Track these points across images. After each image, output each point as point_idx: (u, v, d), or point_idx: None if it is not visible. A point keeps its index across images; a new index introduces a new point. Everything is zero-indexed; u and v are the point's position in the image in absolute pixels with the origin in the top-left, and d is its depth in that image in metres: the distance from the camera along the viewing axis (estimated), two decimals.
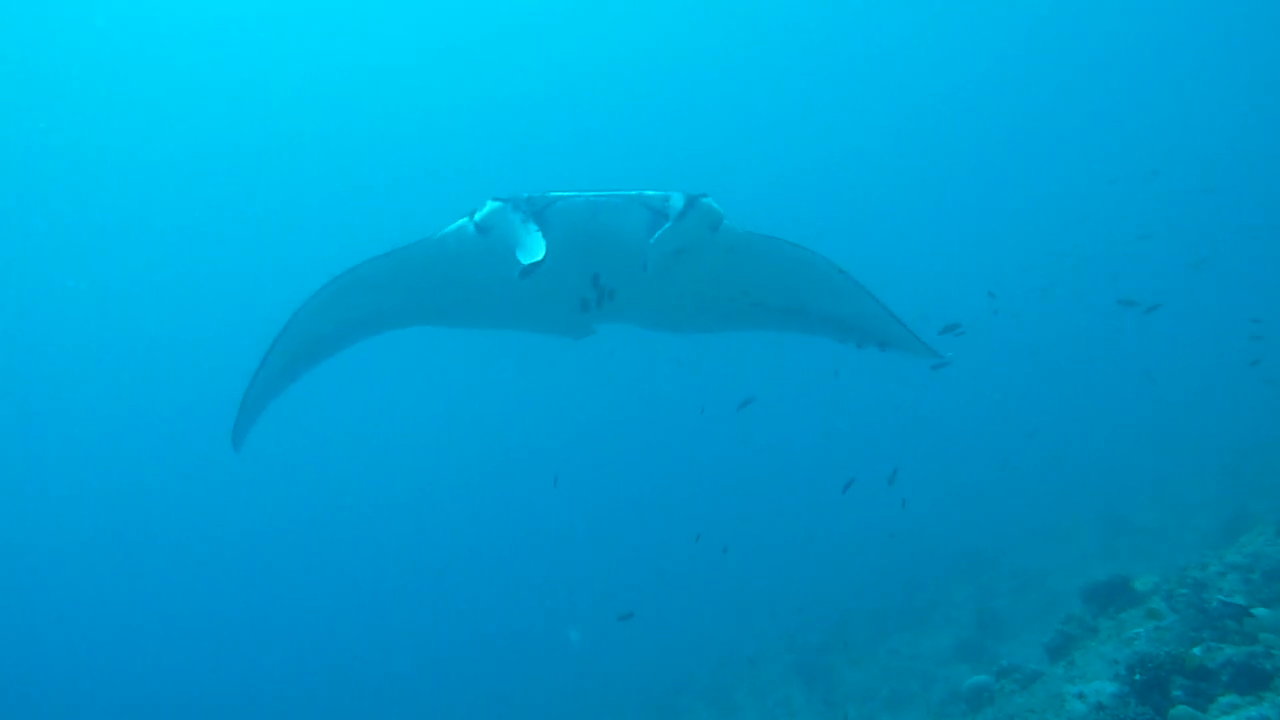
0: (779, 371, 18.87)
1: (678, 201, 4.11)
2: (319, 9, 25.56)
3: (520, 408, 25.50)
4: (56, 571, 25.78)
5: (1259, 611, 5.47)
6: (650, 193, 4.16)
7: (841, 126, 30.29)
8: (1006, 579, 13.24)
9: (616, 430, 25.56)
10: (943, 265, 28.91)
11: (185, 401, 27.08)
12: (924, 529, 16.32)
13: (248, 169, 27.73)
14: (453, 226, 4.44)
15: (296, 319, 4.72)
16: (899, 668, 12.09)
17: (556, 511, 22.94)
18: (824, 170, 30.33)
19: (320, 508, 26.43)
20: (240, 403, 4.87)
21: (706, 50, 28.05)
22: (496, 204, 4.08)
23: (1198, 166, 27.05)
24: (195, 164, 26.96)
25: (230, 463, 26.52)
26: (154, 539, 26.13)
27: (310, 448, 26.58)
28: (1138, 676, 5.25)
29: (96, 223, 26.69)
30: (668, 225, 4.03)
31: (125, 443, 27.74)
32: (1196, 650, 5.26)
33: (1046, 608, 11.31)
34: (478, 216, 4.21)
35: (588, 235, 4.10)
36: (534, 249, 3.75)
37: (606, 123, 29.42)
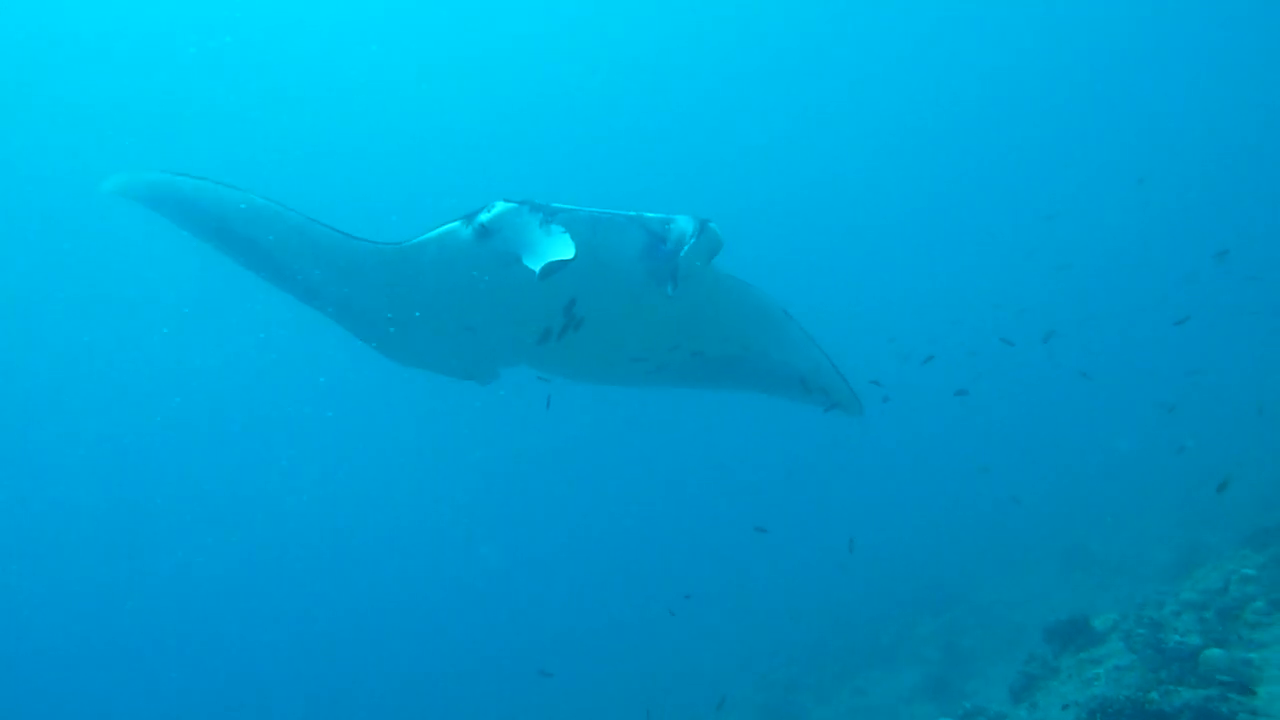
0: (732, 409, 18.94)
1: (686, 225, 3.78)
2: (318, 12, 25.49)
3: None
4: (57, 572, 25.20)
5: (1212, 653, 5.55)
6: (650, 215, 3.90)
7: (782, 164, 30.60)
8: (972, 614, 13.32)
9: (580, 474, 25.35)
10: (905, 292, 29.31)
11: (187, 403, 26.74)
12: (889, 564, 16.43)
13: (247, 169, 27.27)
14: (436, 232, 4.14)
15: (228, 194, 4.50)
16: (866, 706, 12.08)
17: (528, 550, 22.71)
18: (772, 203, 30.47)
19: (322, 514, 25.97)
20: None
21: (670, 61, 28.17)
22: (510, 205, 3.84)
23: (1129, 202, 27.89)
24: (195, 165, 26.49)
25: (230, 464, 26.58)
26: (152, 541, 25.66)
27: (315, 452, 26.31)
28: None
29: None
30: (691, 244, 3.69)
31: (128, 444, 27.23)
32: (1154, 694, 5.33)
33: (1011, 642, 11.38)
34: (484, 218, 3.91)
35: (582, 254, 3.79)
36: (561, 248, 3.51)
37: (575, 134, 29.37)
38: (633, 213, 3.90)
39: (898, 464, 23.07)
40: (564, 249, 3.52)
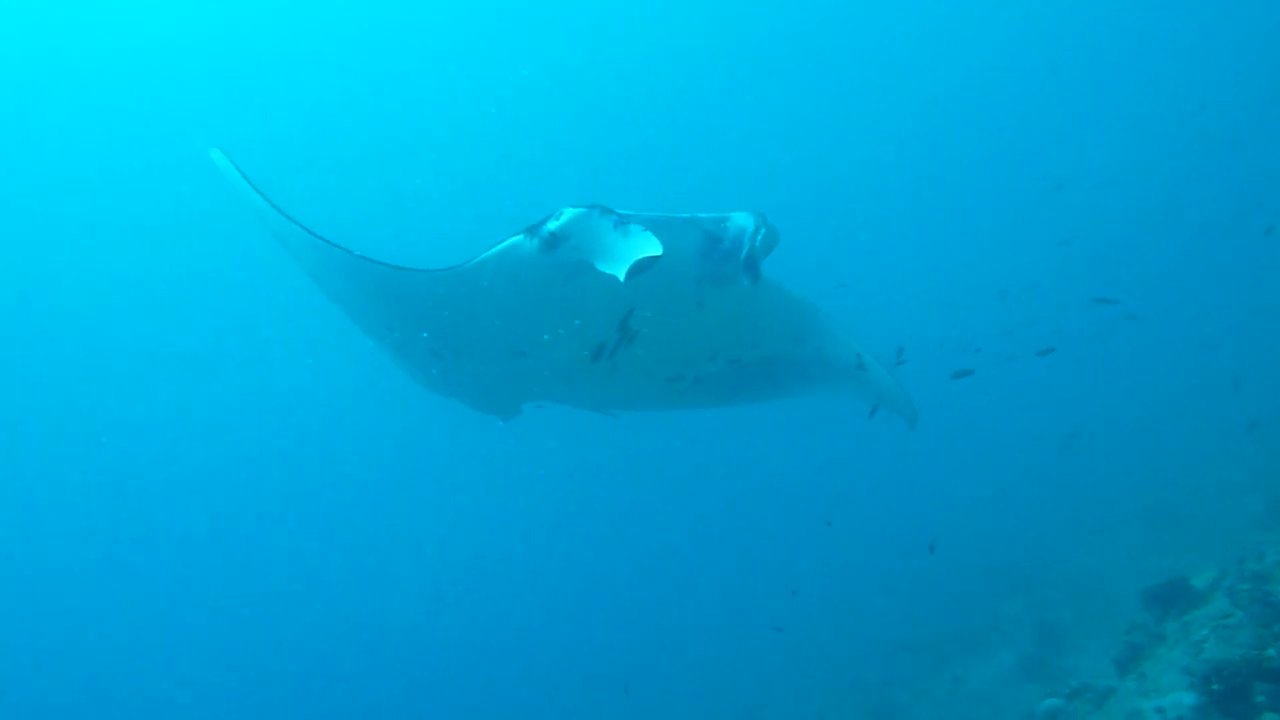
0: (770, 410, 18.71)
1: (746, 222, 3.64)
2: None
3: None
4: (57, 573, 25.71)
5: None
6: (704, 215, 3.80)
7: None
8: (1061, 588, 13.01)
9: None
10: (949, 268, 28.79)
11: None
12: (963, 547, 16.10)
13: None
14: (496, 250, 3.98)
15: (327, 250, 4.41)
16: (966, 695, 11.84)
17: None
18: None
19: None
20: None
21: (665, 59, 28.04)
22: (579, 210, 3.71)
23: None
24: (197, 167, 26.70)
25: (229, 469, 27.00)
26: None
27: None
28: (1215, 686, 5.15)
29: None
30: (755, 241, 3.55)
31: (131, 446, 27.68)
32: (1271, 651, 5.16)
33: (1106, 614, 11.07)
34: (553, 226, 3.75)
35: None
36: (647, 245, 3.39)
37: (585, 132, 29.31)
38: (687, 214, 3.81)
39: (953, 443, 22.65)
40: (650, 245, 3.40)
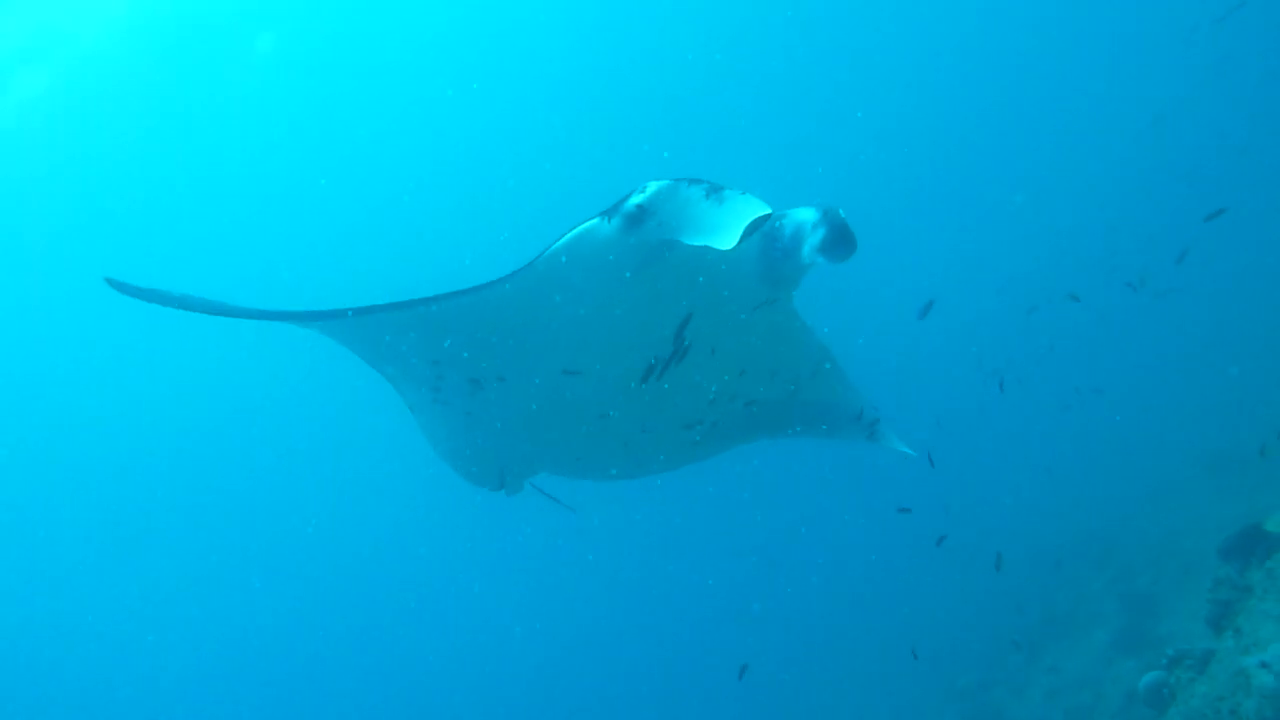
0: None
1: (806, 216, 3.24)
2: None
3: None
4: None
5: None
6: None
7: None
8: (1137, 555, 12.76)
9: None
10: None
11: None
12: (1030, 533, 15.85)
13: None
14: (570, 236, 3.69)
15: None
16: (1066, 684, 11.57)
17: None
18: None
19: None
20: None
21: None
22: (665, 182, 3.43)
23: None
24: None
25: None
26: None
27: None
28: None
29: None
30: (821, 236, 3.12)
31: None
32: None
33: (1189, 571, 10.88)
34: (638, 199, 3.44)
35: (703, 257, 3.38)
36: (751, 206, 3.11)
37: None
38: None
39: (1001, 431, 22.37)
40: (756, 206, 3.11)
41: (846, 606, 18.09)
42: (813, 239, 3.18)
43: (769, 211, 3.08)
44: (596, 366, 4.23)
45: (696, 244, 3.25)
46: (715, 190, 3.27)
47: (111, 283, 4.20)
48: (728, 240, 3.09)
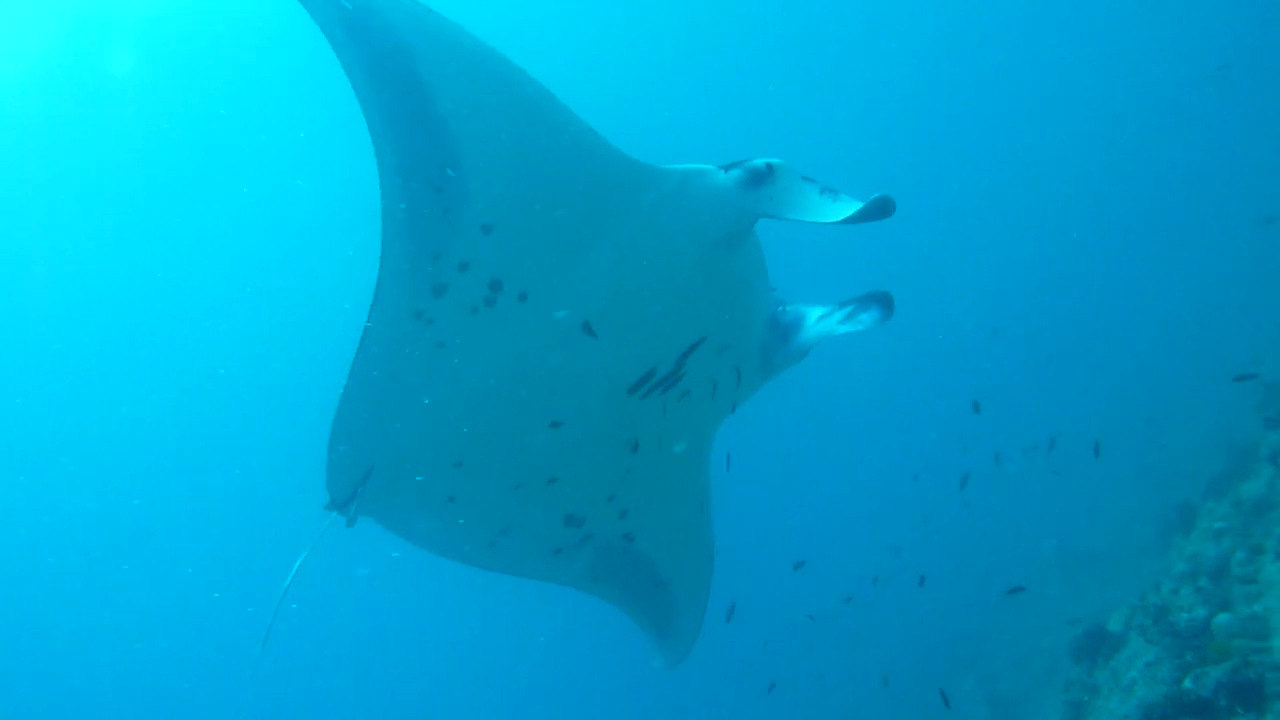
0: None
1: (809, 312, 3.69)
2: None
3: None
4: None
5: (1221, 619, 5.59)
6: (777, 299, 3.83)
7: None
8: (1001, 655, 13.08)
9: None
10: None
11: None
12: (919, 626, 16.03)
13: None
14: (686, 166, 3.66)
15: None
16: None
17: None
18: None
19: None
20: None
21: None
22: (779, 160, 3.55)
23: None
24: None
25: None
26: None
27: None
28: None
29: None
30: (814, 333, 3.65)
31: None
32: (1188, 683, 5.30)
33: (1049, 671, 11.17)
34: (767, 160, 3.54)
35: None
36: (852, 203, 3.26)
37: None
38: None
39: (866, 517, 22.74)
40: (854, 204, 3.27)
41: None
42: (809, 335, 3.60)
43: (863, 203, 3.18)
44: (612, 337, 3.93)
45: (803, 220, 3.40)
46: (830, 188, 3.44)
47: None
48: (838, 214, 3.26)
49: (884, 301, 3.43)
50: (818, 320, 3.62)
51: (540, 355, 4.06)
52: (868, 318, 3.41)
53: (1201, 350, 19.20)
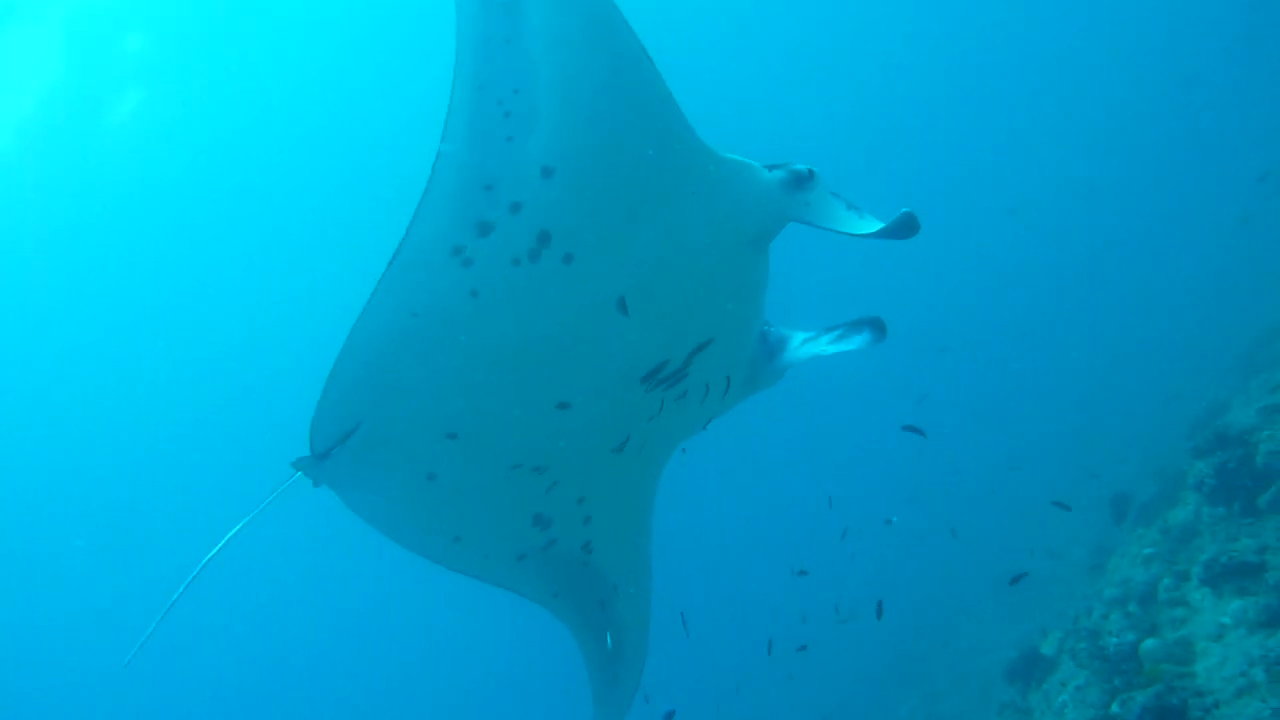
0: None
1: (789, 335, 3.96)
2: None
3: None
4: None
5: (1147, 645, 5.74)
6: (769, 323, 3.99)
7: None
8: (942, 673, 13.28)
9: None
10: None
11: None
12: (866, 641, 16.18)
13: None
14: (736, 157, 3.67)
15: None
16: None
17: None
18: None
19: None
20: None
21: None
22: (815, 169, 3.68)
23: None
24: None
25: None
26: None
27: None
28: None
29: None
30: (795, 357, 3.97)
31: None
32: (1115, 707, 5.43)
33: (985, 692, 11.35)
34: (809, 167, 3.63)
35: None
36: (874, 221, 3.40)
37: None
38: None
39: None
40: (876, 222, 3.41)
41: None
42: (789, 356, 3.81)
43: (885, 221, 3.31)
44: (638, 321, 3.80)
45: (833, 229, 3.50)
46: (855, 205, 3.57)
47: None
48: (866, 228, 3.37)
49: (876, 326, 3.67)
50: (803, 342, 3.86)
51: (570, 326, 3.87)
52: (860, 340, 3.67)
53: (1134, 381, 19.86)
